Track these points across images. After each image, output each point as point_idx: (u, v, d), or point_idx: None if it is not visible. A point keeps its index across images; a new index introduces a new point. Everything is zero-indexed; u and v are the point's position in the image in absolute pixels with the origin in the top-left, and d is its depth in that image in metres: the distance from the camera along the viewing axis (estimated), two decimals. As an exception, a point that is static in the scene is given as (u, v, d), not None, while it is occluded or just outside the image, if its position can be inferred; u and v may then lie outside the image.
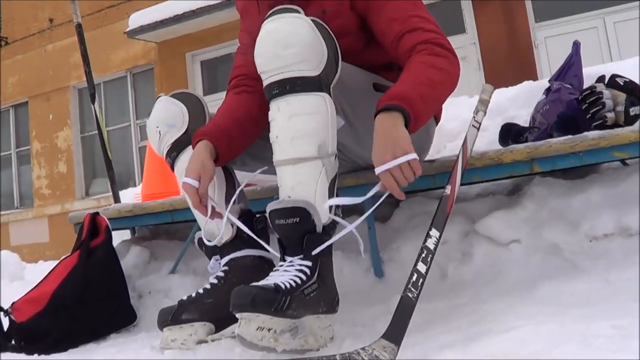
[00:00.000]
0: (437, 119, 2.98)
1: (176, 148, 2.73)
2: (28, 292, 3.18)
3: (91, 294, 3.14)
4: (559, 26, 11.60)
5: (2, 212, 19.47)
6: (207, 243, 2.59)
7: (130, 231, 4.07)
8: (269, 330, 2.04)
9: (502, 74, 10.82)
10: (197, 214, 2.67)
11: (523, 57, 11.77)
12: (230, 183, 2.71)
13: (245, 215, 2.63)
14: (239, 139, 2.65)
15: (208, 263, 2.70)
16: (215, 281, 2.54)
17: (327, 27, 2.36)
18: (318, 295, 2.18)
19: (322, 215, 2.24)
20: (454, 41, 11.93)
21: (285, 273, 2.15)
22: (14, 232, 18.48)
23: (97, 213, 3.36)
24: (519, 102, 3.65)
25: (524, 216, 2.79)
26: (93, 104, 4.44)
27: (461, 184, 2.99)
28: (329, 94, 2.30)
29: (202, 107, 2.83)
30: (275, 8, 2.40)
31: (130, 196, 5.41)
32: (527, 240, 2.73)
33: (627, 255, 2.50)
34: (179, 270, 3.50)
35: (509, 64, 11.65)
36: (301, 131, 2.25)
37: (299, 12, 2.35)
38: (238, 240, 2.58)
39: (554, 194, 2.80)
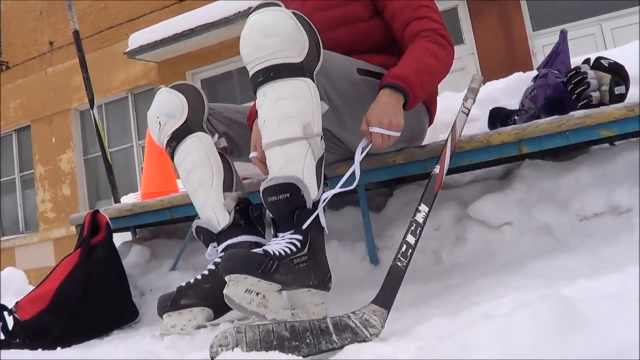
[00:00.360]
0: (431, 116, 3.06)
1: (175, 138, 2.79)
2: (31, 291, 3.23)
3: (93, 291, 3.18)
4: (556, 34, 11.55)
5: (7, 237, 19.53)
6: (204, 225, 2.65)
7: (131, 233, 4.12)
8: (257, 294, 2.08)
9: (501, 83, 10.88)
10: (195, 201, 2.72)
11: (521, 65, 11.75)
12: (229, 172, 2.76)
13: (242, 203, 2.68)
14: None
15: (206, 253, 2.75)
16: (212, 267, 2.59)
17: (308, 20, 2.44)
18: (308, 267, 2.22)
19: (312, 191, 2.29)
20: (453, 52, 12.10)
21: (276, 245, 2.20)
22: (19, 257, 18.49)
23: (97, 211, 3.41)
24: (509, 92, 3.72)
25: (514, 198, 2.84)
26: (92, 109, 4.50)
27: (454, 171, 3.07)
28: (312, 80, 2.38)
29: (201, 98, 2.89)
30: (258, 4, 2.49)
31: (130, 199, 5.48)
32: (519, 222, 2.79)
33: (617, 232, 2.55)
34: (179, 267, 3.55)
35: (507, 73, 11.64)
36: (287, 114, 2.32)
37: (280, 6, 2.43)
38: (234, 228, 2.63)
39: (544, 176, 2.85)
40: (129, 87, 17.28)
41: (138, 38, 15.32)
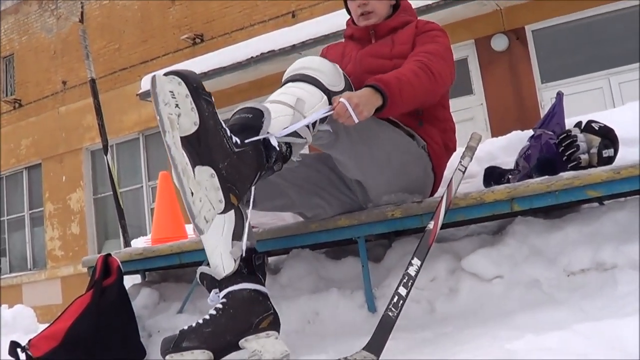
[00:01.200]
0: (434, 168, 3.31)
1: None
2: (44, 329, 3.36)
3: (104, 331, 3.31)
4: (565, 87, 11.68)
5: (15, 274, 19.64)
6: (208, 272, 2.81)
7: (140, 276, 4.26)
8: None
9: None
10: (206, 246, 2.89)
11: (530, 117, 11.88)
12: (240, 221, 2.91)
13: (248, 252, 2.84)
14: None
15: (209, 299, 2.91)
16: (214, 312, 2.72)
17: (348, 77, 2.95)
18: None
19: (274, 125, 2.59)
20: (462, 102, 12.17)
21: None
22: (27, 294, 18.56)
23: (110, 254, 3.55)
24: (508, 150, 3.85)
25: (506, 253, 2.99)
26: (106, 155, 4.67)
27: (449, 225, 3.23)
28: (329, 101, 2.78)
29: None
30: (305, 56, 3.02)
31: (141, 243, 5.61)
32: (509, 276, 2.93)
33: (602, 287, 2.69)
34: (186, 310, 3.68)
35: (516, 124, 11.73)
36: (291, 93, 2.74)
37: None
38: (237, 275, 2.78)
39: (534, 232, 3.01)
40: (140, 128, 17.44)
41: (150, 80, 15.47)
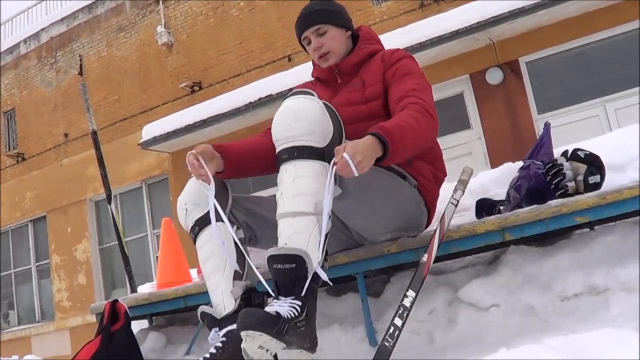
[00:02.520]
0: (430, 214, 3.36)
1: (199, 225, 3.09)
2: (54, 377, 3.44)
3: (113, 376, 3.39)
4: (561, 116, 11.78)
5: (23, 326, 19.66)
6: (208, 311, 2.90)
7: (147, 320, 4.34)
8: (267, 351, 2.42)
9: (508, 166, 11.02)
10: (208, 284, 2.98)
11: (528, 149, 11.86)
12: (242, 262, 3.01)
13: (248, 292, 2.93)
14: (246, 159, 3.15)
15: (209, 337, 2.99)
16: (214, 351, 2.81)
17: (335, 110, 2.83)
18: (305, 331, 2.52)
19: (314, 262, 2.58)
20: (460, 137, 12.27)
21: (283, 306, 2.48)
22: (36, 346, 18.59)
23: (117, 300, 3.64)
24: (500, 182, 3.94)
25: (501, 282, 3.07)
26: (110, 204, 4.76)
27: (445, 257, 3.31)
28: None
29: (226, 189, 3.17)
30: (294, 90, 2.91)
31: (147, 289, 5.69)
32: (505, 304, 3.01)
33: (594, 311, 2.77)
34: (193, 352, 3.76)
35: (515, 156, 11.79)
36: (302, 190, 2.67)
37: (313, 95, 2.82)
38: (236, 314, 2.86)
39: (527, 261, 3.09)
40: (143, 177, 17.56)
41: (151, 129, 15.61)
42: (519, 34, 11.81)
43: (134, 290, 4.73)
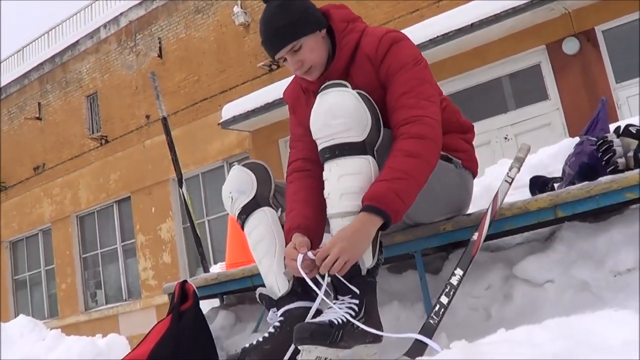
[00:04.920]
0: (474, 173, 3.36)
1: (245, 212, 3.18)
2: (128, 354, 3.60)
3: (183, 353, 3.52)
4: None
5: (111, 305, 20.19)
6: (266, 292, 3.01)
7: (219, 299, 4.49)
8: (326, 359, 2.48)
9: (588, 137, 10.88)
10: (261, 268, 3.10)
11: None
12: None
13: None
14: (322, 225, 2.99)
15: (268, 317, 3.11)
16: (272, 330, 2.93)
17: (369, 97, 2.79)
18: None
19: (366, 260, 2.64)
20: (538, 108, 12.19)
21: (338, 310, 2.56)
22: (123, 324, 19.07)
23: (186, 281, 3.78)
24: (559, 157, 3.96)
25: (555, 258, 3.11)
26: (181, 188, 4.92)
27: (501, 234, 3.36)
28: (373, 156, 2.73)
29: (269, 176, 3.27)
30: (326, 83, 2.86)
31: (217, 269, 5.84)
32: (560, 280, 3.05)
33: (646, 285, 2.81)
34: (260, 329, 3.88)
35: (594, 126, 11.74)
36: (348, 189, 2.69)
37: (346, 86, 2.80)
38: (292, 294, 2.98)
39: (581, 237, 3.12)
40: (224, 156, 17.82)
41: (231, 109, 15.84)
42: (594, 2, 11.65)
43: (206, 270, 4.88)
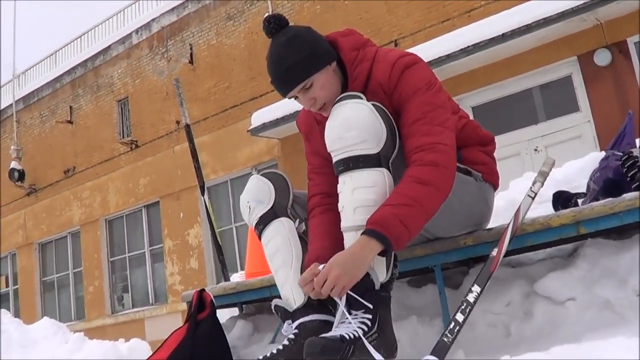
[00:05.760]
0: (495, 186, 3.30)
1: (263, 222, 3.15)
2: (144, 361, 3.58)
3: (199, 362, 3.51)
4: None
5: (137, 309, 20.26)
6: (281, 304, 2.98)
7: (238, 308, 4.46)
8: None
9: (619, 150, 10.79)
10: (277, 279, 3.07)
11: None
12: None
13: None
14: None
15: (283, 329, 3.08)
16: (286, 342, 2.90)
17: (385, 109, 2.76)
18: (378, 343, 2.55)
19: (380, 274, 2.60)
20: (569, 120, 12.09)
21: (350, 325, 2.52)
22: (149, 328, 19.12)
23: (204, 290, 3.75)
24: (585, 172, 3.89)
25: (577, 275, 3.05)
26: (203, 195, 4.91)
27: (524, 250, 3.30)
28: (388, 168, 2.70)
29: (287, 185, 3.23)
30: (342, 95, 2.83)
31: (236, 278, 5.82)
32: (581, 298, 2.99)
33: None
34: (277, 340, 3.85)
35: (624, 140, 11.65)
36: (362, 202, 2.66)
37: (361, 98, 2.76)
38: (307, 307, 2.94)
39: (605, 254, 3.06)
40: (253, 163, 17.83)
41: (260, 116, 15.84)
42: (627, 13, 11.52)
43: (226, 279, 4.86)
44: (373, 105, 2.73)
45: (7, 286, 25.88)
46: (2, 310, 7.38)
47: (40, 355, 6.37)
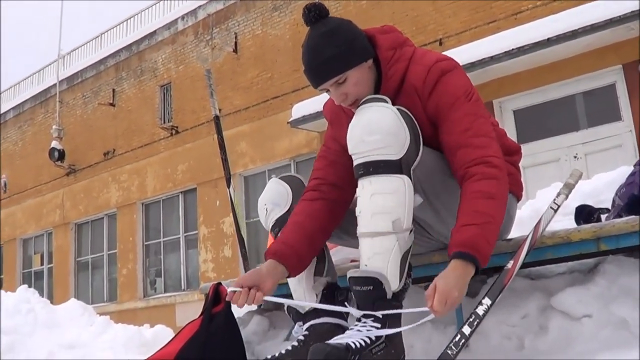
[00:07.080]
0: (518, 197, 3.25)
1: (279, 224, 3.14)
2: (155, 352, 3.57)
3: (211, 355, 3.49)
4: None
5: (169, 294, 20.37)
6: (293, 306, 2.96)
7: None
8: None
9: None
10: (290, 281, 3.05)
11: (680, 143, 11.60)
12: (321, 258, 3.06)
13: (329, 288, 2.98)
14: (308, 252, 2.96)
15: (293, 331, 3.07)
16: (296, 344, 2.90)
17: (410, 114, 2.71)
18: (385, 354, 2.51)
19: (392, 284, 2.56)
20: (610, 129, 11.97)
21: (358, 333, 2.49)
22: (179, 313, 19.19)
23: (220, 283, 3.74)
24: (614, 186, 3.83)
25: (595, 292, 2.99)
26: (228, 187, 4.91)
27: (545, 262, 3.25)
28: (409, 176, 2.65)
29: (304, 189, 3.19)
30: (367, 97, 2.79)
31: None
32: (598, 315, 2.93)
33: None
34: (292, 338, 3.83)
35: (667, 149, 11.56)
36: (380, 208, 2.62)
37: (386, 102, 2.72)
38: (319, 309, 2.92)
39: (625, 272, 3.00)
40: (292, 155, 17.82)
41: (301, 108, 15.81)
42: (674, 23, 11.34)
43: (247, 269, 4.84)
44: (398, 109, 2.69)
45: (42, 264, 26.11)
46: (31, 289, 7.45)
47: (64, 336, 6.43)
